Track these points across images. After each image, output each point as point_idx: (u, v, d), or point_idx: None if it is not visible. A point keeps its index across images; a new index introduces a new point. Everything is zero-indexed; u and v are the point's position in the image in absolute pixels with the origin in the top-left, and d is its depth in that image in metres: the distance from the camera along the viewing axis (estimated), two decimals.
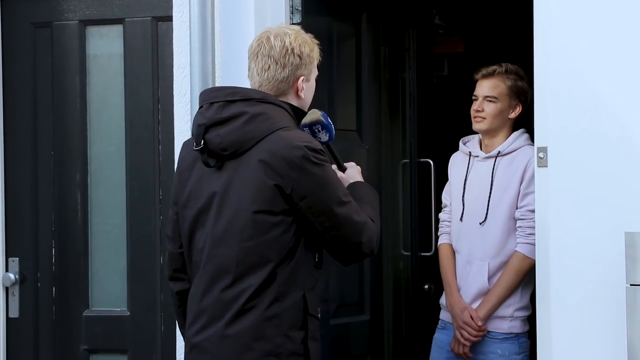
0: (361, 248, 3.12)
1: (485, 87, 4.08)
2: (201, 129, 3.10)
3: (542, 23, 3.62)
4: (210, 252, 3.10)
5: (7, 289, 4.48)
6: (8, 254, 4.47)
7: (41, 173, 4.45)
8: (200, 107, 3.16)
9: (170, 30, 4.21)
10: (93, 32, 4.43)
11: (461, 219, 4.08)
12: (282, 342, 3.04)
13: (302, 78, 3.18)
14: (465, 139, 4.24)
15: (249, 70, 3.20)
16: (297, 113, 3.19)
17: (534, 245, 3.69)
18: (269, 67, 3.15)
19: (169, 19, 4.21)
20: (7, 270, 4.48)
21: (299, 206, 3.06)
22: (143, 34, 4.34)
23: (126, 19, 4.37)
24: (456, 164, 4.20)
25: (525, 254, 3.91)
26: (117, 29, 4.40)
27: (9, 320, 4.47)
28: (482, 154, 4.11)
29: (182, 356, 4.11)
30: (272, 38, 3.16)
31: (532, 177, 3.81)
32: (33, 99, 4.47)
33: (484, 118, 4.07)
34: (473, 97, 4.12)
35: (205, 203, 3.12)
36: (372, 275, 4.37)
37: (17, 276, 4.46)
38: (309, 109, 3.24)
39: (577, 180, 3.57)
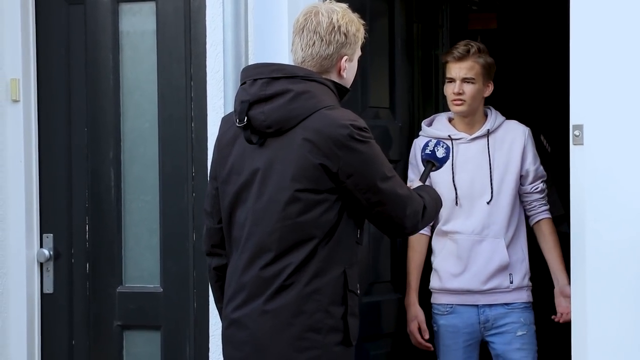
0: (405, 221, 3.12)
1: (462, 69, 4.10)
2: (245, 105, 3.10)
3: None
4: (252, 228, 3.10)
5: (41, 265, 4.51)
6: (42, 230, 4.50)
7: (75, 150, 4.46)
8: (243, 84, 3.15)
9: (203, 7, 4.20)
10: (126, 8, 4.43)
11: (457, 203, 4.08)
12: (323, 317, 3.05)
13: (345, 57, 3.17)
14: (427, 121, 4.23)
15: (292, 44, 3.18)
16: (340, 91, 3.18)
17: None
18: (314, 43, 3.13)
19: None
20: (41, 246, 4.51)
21: (345, 184, 3.06)
22: (176, 10, 4.34)
23: None
24: None
25: (551, 218, 4.15)
26: (150, 6, 4.39)
27: (43, 296, 4.50)
28: (468, 136, 4.12)
29: (216, 332, 4.13)
30: (319, 14, 3.14)
31: (534, 150, 4.12)
32: (67, 75, 4.48)
33: (464, 100, 4.09)
34: (447, 80, 4.13)
35: (247, 179, 3.12)
36: (405, 253, 4.36)
37: (51, 252, 4.49)
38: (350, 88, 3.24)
39: (614, 157, 3.54)
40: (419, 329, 4.16)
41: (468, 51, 4.10)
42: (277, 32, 3.92)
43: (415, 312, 4.16)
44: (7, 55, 4.44)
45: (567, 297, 4.01)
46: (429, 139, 3.77)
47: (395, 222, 3.13)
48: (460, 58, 4.10)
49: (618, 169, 3.54)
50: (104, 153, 4.43)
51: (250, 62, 3.87)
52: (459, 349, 4.13)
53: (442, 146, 3.56)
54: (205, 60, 4.18)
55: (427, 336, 4.14)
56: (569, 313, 3.96)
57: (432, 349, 4.17)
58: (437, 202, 3.32)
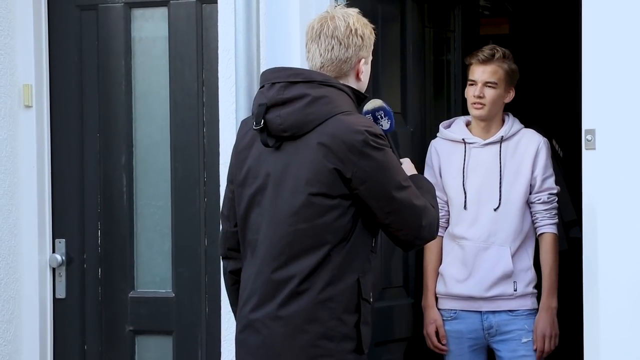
0: (421, 232, 3.12)
1: (486, 73, 4.08)
2: (262, 108, 3.11)
3: (590, 3, 3.58)
4: (266, 232, 3.11)
5: (53, 270, 4.52)
6: (55, 236, 4.51)
7: (87, 156, 4.48)
8: (262, 87, 3.17)
9: (215, 13, 4.21)
10: (138, 14, 4.45)
11: (465, 207, 4.07)
12: (336, 325, 3.05)
13: (362, 60, 3.18)
14: (445, 124, 4.22)
15: (308, 52, 3.18)
16: (358, 97, 3.19)
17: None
18: (333, 47, 3.14)
19: (214, 1, 4.21)
20: (53, 251, 4.52)
21: (358, 190, 3.06)
22: (188, 16, 4.35)
23: (171, 1, 4.38)
24: (445, 151, 4.16)
25: (556, 233, 4.09)
26: (162, 11, 4.41)
27: (55, 301, 4.52)
28: (481, 140, 4.11)
29: (227, 337, 4.13)
30: (335, 18, 3.15)
31: (547, 161, 4.07)
32: (79, 81, 4.49)
33: (484, 105, 4.07)
34: (469, 82, 4.12)
35: (263, 183, 3.13)
36: (417, 258, 4.36)
37: (63, 257, 4.50)
38: (365, 93, 3.23)
39: (626, 162, 3.54)
40: (436, 333, 4.13)
41: (493, 55, 4.07)
42: (288, 37, 3.93)
43: (434, 316, 4.14)
44: (20, 61, 4.46)
45: (550, 310, 4.04)
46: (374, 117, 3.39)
47: (411, 233, 3.12)
48: (485, 61, 4.08)
49: (630, 174, 3.54)
50: (116, 158, 4.45)
51: (262, 68, 3.87)
52: (464, 354, 4.13)
53: (382, 118, 3.34)
54: (217, 66, 4.18)
55: (444, 340, 4.12)
56: (543, 349, 4.03)
57: (446, 352, 4.15)
58: (434, 196, 3.27)
